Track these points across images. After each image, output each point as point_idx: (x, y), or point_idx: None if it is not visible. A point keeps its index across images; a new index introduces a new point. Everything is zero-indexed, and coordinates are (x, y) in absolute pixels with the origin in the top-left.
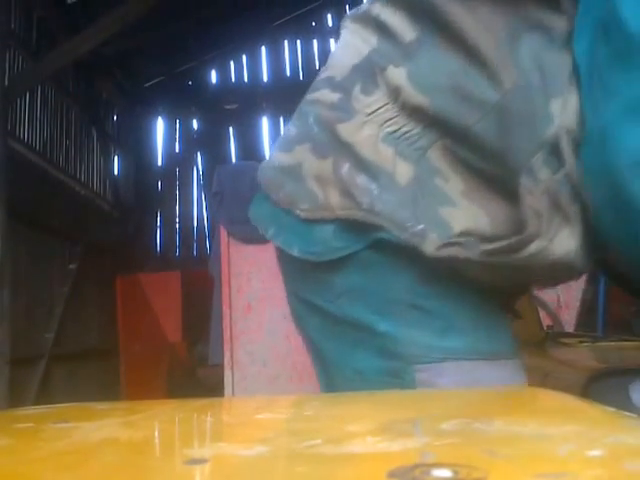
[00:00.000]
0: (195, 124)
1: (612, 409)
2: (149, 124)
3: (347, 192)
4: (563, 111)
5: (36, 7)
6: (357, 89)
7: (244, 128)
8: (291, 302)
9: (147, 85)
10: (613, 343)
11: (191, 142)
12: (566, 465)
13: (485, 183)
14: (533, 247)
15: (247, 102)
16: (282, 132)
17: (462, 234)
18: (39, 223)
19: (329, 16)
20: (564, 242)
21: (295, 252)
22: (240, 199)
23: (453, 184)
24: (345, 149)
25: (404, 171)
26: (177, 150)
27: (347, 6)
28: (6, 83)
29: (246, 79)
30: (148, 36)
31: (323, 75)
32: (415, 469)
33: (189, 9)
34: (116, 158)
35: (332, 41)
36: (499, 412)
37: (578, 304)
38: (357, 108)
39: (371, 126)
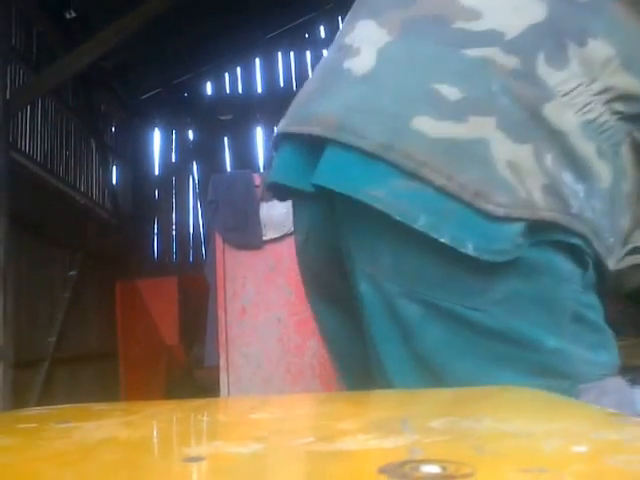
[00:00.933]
0: (191, 134)
1: (597, 407)
2: (146, 135)
3: (553, 189)
4: None
5: (36, 22)
6: (541, 58)
7: (238, 138)
8: (404, 299)
9: (144, 97)
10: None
11: (187, 152)
12: (551, 460)
13: None
14: None
15: (241, 113)
16: (426, 91)
17: (635, 249)
18: (40, 231)
19: (322, 28)
20: None
21: (469, 250)
22: (235, 207)
23: (630, 188)
24: (551, 135)
25: (605, 172)
26: (173, 160)
27: (340, 18)
28: (8, 97)
29: (240, 90)
30: (145, 50)
31: (474, 25)
32: (405, 465)
33: (185, 24)
34: (114, 168)
35: (325, 52)
36: (486, 410)
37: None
38: (550, 84)
39: (571, 111)
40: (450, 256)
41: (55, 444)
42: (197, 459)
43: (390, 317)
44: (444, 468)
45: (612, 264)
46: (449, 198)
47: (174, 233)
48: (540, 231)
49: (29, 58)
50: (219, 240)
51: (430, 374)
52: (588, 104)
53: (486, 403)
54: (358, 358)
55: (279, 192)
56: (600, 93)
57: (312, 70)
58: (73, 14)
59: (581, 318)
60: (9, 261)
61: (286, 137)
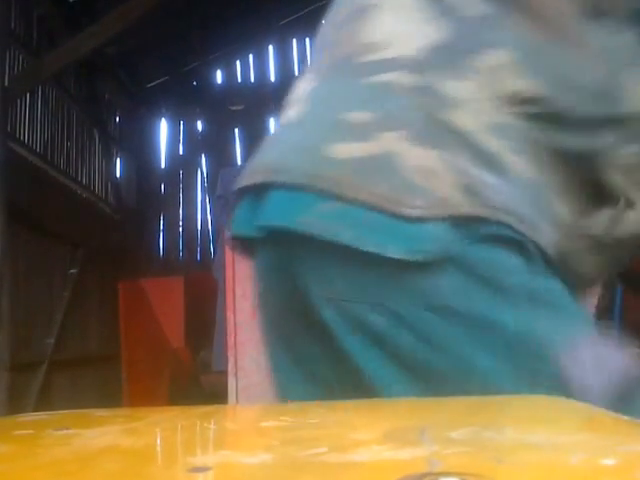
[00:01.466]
0: (199, 125)
1: (625, 417)
2: (152, 125)
3: (470, 187)
4: (633, 94)
5: (37, 5)
6: (442, 73)
7: (250, 130)
8: (367, 313)
9: (150, 85)
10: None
11: (195, 144)
12: (577, 474)
13: (573, 171)
14: (631, 217)
15: (253, 103)
16: (337, 121)
17: (570, 225)
18: (39, 226)
19: None
20: None
21: (392, 253)
22: None
23: (551, 177)
24: (458, 139)
25: (523, 166)
26: (181, 152)
27: None
28: (6, 83)
29: (253, 79)
30: (152, 35)
31: (377, 55)
32: (423, 478)
33: (194, 7)
34: (118, 160)
35: None
36: (509, 420)
37: (593, 310)
38: (452, 94)
39: (478, 115)
40: (390, 266)
41: (53, 452)
42: (203, 469)
43: (361, 332)
44: None
45: (544, 242)
46: (367, 210)
47: (181, 230)
48: (470, 228)
49: (29, 43)
50: (228, 237)
51: (417, 376)
52: (492, 109)
53: (509, 412)
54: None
55: (238, 246)
56: (500, 98)
57: None
58: None
59: (539, 299)
60: (5, 258)
61: (240, 192)
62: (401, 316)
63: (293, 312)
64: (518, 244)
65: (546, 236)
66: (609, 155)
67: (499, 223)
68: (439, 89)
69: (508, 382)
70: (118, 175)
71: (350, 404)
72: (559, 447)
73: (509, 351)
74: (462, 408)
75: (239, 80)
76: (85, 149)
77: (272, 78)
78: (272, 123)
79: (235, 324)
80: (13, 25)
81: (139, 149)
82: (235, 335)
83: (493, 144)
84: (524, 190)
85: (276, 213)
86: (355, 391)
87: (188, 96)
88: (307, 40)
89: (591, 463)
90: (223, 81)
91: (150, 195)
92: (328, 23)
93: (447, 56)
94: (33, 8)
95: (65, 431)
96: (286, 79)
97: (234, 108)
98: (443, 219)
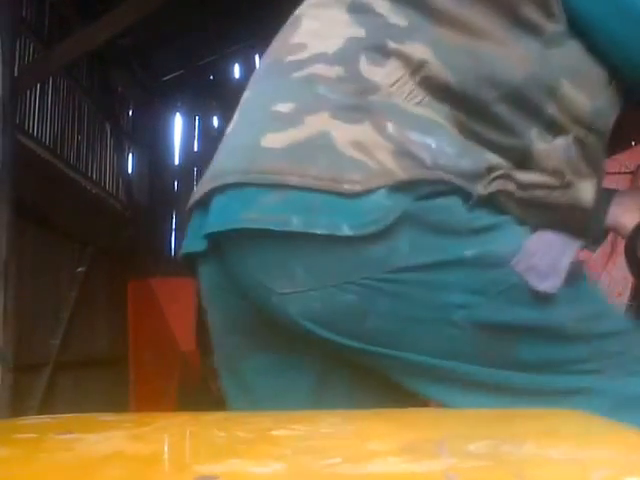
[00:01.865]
0: (216, 121)
1: None
2: (166, 120)
3: (402, 151)
4: (561, 99)
5: None
6: (363, 61)
7: None
8: (336, 296)
9: (165, 79)
10: None
11: (211, 140)
12: None
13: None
14: (570, 192)
15: None
16: (266, 115)
17: (504, 174)
18: (47, 223)
19: None
20: (584, 192)
21: (346, 231)
22: None
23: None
24: (385, 109)
25: (453, 124)
26: (195, 148)
27: None
28: (15, 74)
29: None
30: (168, 27)
31: (300, 55)
32: None
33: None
34: (130, 155)
35: None
36: (530, 434)
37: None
38: (376, 79)
39: (399, 98)
40: (353, 245)
41: (55, 457)
42: (211, 478)
43: (332, 321)
44: None
45: (482, 188)
46: (310, 193)
47: None
48: (412, 189)
49: (40, 32)
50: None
51: (395, 344)
52: (413, 91)
53: (530, 425)
54: None
55: (187, 265)
56: (423, 82)
57: None
58: None
59: (485, 232)
60: (11, 255)
61: (189, 211)
62: (371, 286)
63: (237, 328)
64: (459, 191)
65: (475, 180)
66: (530, 151)
67: (438, 181)
68: (360, 75)
69: (482, 308)
70: (130, 171)
71: (366, 413)
72: (580, 462)
73: (472, 278)
74: (481, 420)
75: None
76: (96, 143)
77: None
78: None
79: None
80: (24, 12)
81: (152, 144)
82: None
83: (422, 111)
84: (461, 143)
85: (220, 217)
86: (316, 397)
87: (204, 90)
88: None
89: None
90: (241, 76)
91: (163, 192)
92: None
93: (366, 45)
94: None
95: (68, 435)
96: None
97: None
98: (384, 188)
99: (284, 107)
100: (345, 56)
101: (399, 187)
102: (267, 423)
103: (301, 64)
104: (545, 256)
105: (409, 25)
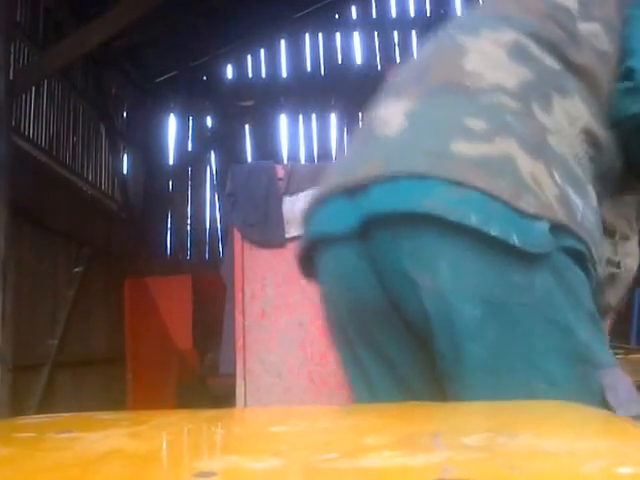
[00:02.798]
0: (209, 121)
1: None
2: (160, 121)
3: (563, 199)
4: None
5: None
6: (536, 105)
7: (260, 126)
8: (456, 305)
9: (159, 80)
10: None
11: (204, 140)
12: None
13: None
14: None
15: (264, 98)
16: (457, 125)
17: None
18: (44, 223)
19: (353, 9)
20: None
21: (515, 241)
22: (255, 201)
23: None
24: (554, 158)
25: (593, 194)
26: (189, 148)
27: None
28: (11, 77)
29: (264, 74)
30: (160, 28)
31: (480, 83)
32: None
33: (204, 1)
34: (125, 156)
35: (356, 35)
36: (524, 426)
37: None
38: (547, 124)
39: (566, 144)
40: (499, 255)
41: (55, 456)
42: (209, 474)
43: (451, 325)
44: None
45: (601, 270)
46: (492, 199)
47: (189, 228)
48: (560, 236)
49: (35, 36)
50: (238, 237)
51: (495, 373)
52: (572, 143)
53: (524, 418)
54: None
55: (310, 247)
56: (577, 136)
57: (342, 53)
58: None
59: (594, 319)
60: (9, 255)
61: (322, 201)
62: (496, 306)
63: (364, 312)
64: (587, 263)
65: (600, 259)
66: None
67: (580, 239)
68: (536, 117)
69: (565, 389)
70: (125, 171)
71: (361, 408)
72: (574, 454)
73: (571, 358)
74: (476, 413)
75: (250, 75)
76: (91, 144)
77: (284, 74)
78: (283, 119)
79: (244, 326)
80: (19, 17)
81: (147, 145)
82: (244, 337)
83: (578, 170)
84: (595, 214)
85: (391, 201)
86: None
87: (197, 91)
88: (320, 35)
89: (607, 471)
90: (233, 76)
91: (158, 192)
92: (414, 59)
93: (536, 92)
94: (40, 0)
95: (67, 434)
96: (298, 75)
97: (244, 104)
98: (547, 220)
99: (475, 124)
100: (521, 95)
101: (556, 227)
102: (264, 419)
103: (484, 90)
104: (625, 399)
105: (561, 72)
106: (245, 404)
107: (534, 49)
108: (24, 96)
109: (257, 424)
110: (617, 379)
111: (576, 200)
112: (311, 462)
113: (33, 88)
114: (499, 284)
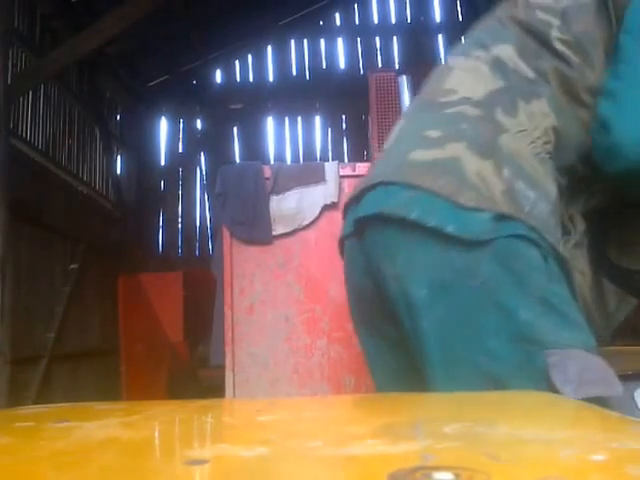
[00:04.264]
0: (199, 124)
1: (616, 414)
2: (153, 123)
3: (509, 193)
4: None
5: (39, 5)
6: (499, 110)
7: (249, 128)
8: (415, 286)
9: (151, 84)
10: (618, 348)
11: (195, 142)
12: (568, 469)
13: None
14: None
15: (252, 102)
16: (418, 136)
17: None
18: (41, 222)
19: (337, 15)
20: None
21: (450, 230)
22: (243, 200)
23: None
24: (505, 156)
25: (553, 189)
26: (180, 150)
27: (356, 6)
28: (9, 81)
29: (251, 79)
30: (152, 35)
31: (451, 97)
32: (416, 472)
33: (194, 7)
34: (119, 157)
35: (340, 41)
36: (502, 416)
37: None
38: (506, 125)
39: (521, 142)
40: (444, 244)
41: (52, 444)
42: (200, 462)
43: (409, 304)
44: (457, 475)
45: (564, 251)
46: (435, 196)
47: (180, 226)
48: (506, 224)
49: (32, 42)
50: (227, 234)
51: (445, 348)
52: (533, 142)
53: (501, 408)
54: (399, 380)
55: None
56: (540, 136)
57: (326, 59)
58: None
59: (547, 302)
60: (8, 253)
61: (345, 207)
62: (443, 288)
63: (364, 300)
64: (540, 248)
65: (559, 241)
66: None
67: (529, 227)
68: (495, 118)
69: (507, 365)
70: (119, 172)
71: (345, 398)
72: (550, 442)
73: (513, 337)
74: (455, 403)
75: (238, 79)
76: (86, 146)
77: (270, 78)
78: (270, 122)
79: (233, 320)
80: (16, 23)
81: (140, 147)
82: (233, 330)
83: (533, 166)
84: (550, 204)
85: (367, 206)
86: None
87: (188, 95)
88: (305, 41)
89: (582, 459)
90: (222, 80)
91: (150, 192)
92: (423, 88)
93: (503, 98)
94: (36, 7)
95: (65, 424)
96: (284, 79)
97: (233, 107)
98: (489, 212)
99: (432, 134)
100: (485, 103)
101: (500, 218)
102: (252, 409)
103: (450, 104)
104: (573, 385)
105: (535, 79)
106: (234, 394)
107: (513, 61)
108: (21, 100)
109: (246, 414)
110: (570, 359)
111: (526, 192)
112: (297, 450)
113: (30, 92)
114: (444, 268)
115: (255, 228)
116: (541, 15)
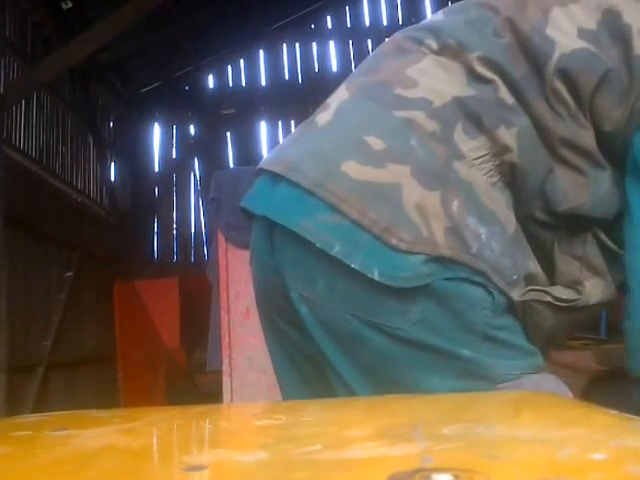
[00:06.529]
0: (192, 129)
1: (614, 412)
2: (146, 130)
3: (455, 231)
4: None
5: (31, 13)
6: (459, 128)
7: (242, 133)
8: (339, 319)
9: (143, 91)
10: (615, 346)
11: (188, 147)
12: (568, 468)
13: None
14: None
15: (245, 106)
16: (356, 141)
17: (542, 288)
18: (35, 230)
19: (328, 19)
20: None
21: (375, 276)
22: (238, 205)
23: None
24: (457, 186)
25: (512, 221)
26: (174, 156)
27: (347, 8)
28: (1, 90)
29: (244, 83)
30: (144, 41)
31: (409, 92)
32: (416, 474)
33: (185, 13)
34: (113, 164)
35: (332, 44)
36: (500, 416)
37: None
38: (462, 149)
39: (478, 171)
40: (371, 286)
41: (51, 453)
42: (199, 468)
43: (331, 335)
44: (457, 477)
45: (517, 296)
46: (361, 230)
47: (175, 232)
48: (447, 267)
49: (24, 50)
50: (222, 239)
51: (376, 381)
52: (491, 170)
53: (500, 409)
54: (297, 383)
55: (247, 213)
56: (503, 165)
57: (318, 62)
58: (69, 4)
59: (492, 337)
60: (2, 261)
61: (261, 172)
62: (371, 325)
63: (269, 295)
64: (485, 288)
65: (514, 284)
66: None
67: (474, 271)
68: (454, 141)
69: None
70: (113, 179)
71: (343, 401)
72: (549, 442)
73: (458, 374)
74: (454, 405)
75: (230, 84)
76: (80, 154)
77: (263, 82)
78: (263, 126)
79: (229, 324)
80: (8, 33)
81: (133, 153)
82: (229, 335)
83: (490, 197)
84: (506, 241)
85: (281, 210)
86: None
87: (180, 101)
88: (297, 45)
89: (581, 458)
90: (215, 86)
91: (144, 198)
92: (374, 54)
93: (466, 113)
94: (28, 15)
95: (63, 432)
96: (276, 83)
97: (226, 112)
98: (424, 255)
99: (375, 142)
100: (446, 116)
101: (438, 260)
102: (250, 414)
103: (406, 103)
104: None
105: (512, 106)
106: (232, 400)
107: (492, 77)
108: (14, 109)
109: (244, 419)
110: (521, 389)
111: (477, 230)
112: (296, 454)
113: (23, 101)
114: (369, 307)
115: (249, 232)
116: (551, 33)
